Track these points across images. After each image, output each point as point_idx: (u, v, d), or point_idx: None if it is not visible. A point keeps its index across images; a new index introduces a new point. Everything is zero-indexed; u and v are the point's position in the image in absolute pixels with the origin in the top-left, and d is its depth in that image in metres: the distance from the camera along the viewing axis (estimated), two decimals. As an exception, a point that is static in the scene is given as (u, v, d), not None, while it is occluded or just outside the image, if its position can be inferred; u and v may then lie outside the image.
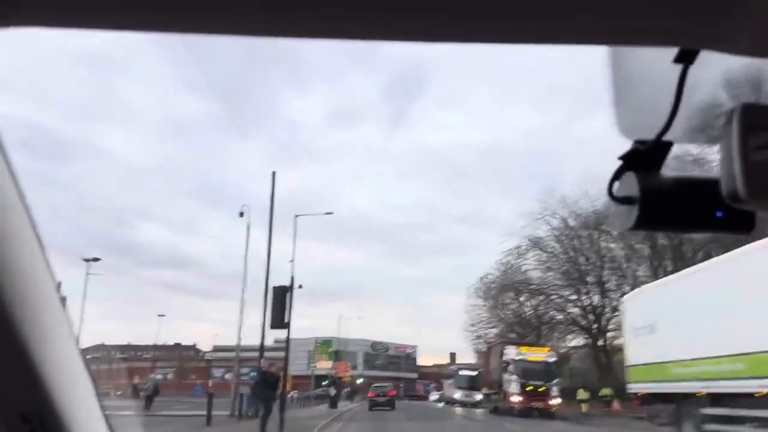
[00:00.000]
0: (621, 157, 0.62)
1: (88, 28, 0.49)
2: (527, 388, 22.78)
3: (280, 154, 69.28)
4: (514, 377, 23.39)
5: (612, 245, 30.60)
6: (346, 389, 48.53)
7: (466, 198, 75.98)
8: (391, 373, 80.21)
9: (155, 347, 66.63)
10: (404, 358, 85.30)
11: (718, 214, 0.58)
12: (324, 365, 42.15)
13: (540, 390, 22.82)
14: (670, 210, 0.59)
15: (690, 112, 0.60)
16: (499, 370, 25.39)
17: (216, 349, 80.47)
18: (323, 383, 50.01)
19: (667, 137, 0.60)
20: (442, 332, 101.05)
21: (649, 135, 0.60)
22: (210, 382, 48.98)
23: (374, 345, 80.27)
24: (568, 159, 56.58)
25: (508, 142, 70.26)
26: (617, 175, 0.62)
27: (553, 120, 65.07)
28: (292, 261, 20.85)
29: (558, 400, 23.44)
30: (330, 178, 75.64)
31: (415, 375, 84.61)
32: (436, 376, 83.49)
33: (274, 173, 18.72)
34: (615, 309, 29.29)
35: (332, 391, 27.75)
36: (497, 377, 25.71)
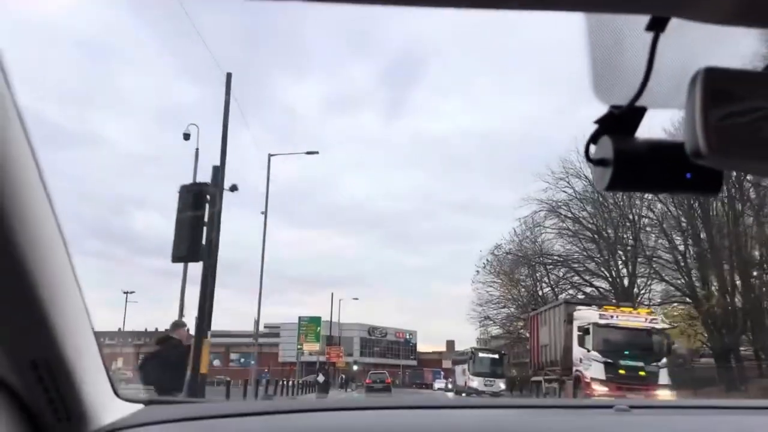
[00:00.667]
0: (597, 121, 0.70)
1: None
2: (620, 371, 15.74)
3: (278, 140, 73.26)
4: (595, 354, 16.17)
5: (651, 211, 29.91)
6: (341, 376, 46.27)
7: (464, 186, 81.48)
8: (389, 360, 78.92)
9: (146, 333, 67.74)
10: (403, 344, 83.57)
11: (688, 175, 0.65)
12: (311, 348, 36.96)
13: (641, 374, 15.91)
14: (643, 171, 0.66)
15: (662, 78, 0.66)
16: (564, 343, 18.28)
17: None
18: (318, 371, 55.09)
19: (641, 102, 0.67)
20: (439, 320, 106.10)
21: (624, 101, 0.67)
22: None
23: (371, 330, 78.30)
24: (566, 146, 58.52)
25: (507, 129, 75.28)
26: (593, 139, 0.70)
27: (553, 106, 69.84)
28: (263, 212, 19.70)
29: (668, 391, 15.90)
30: (328, 166, 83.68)
31: (414, 362, 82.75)
32: (436, 362, 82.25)
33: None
34: (648, 282, 29.29)
35: (320, 378, 26.76)
36: (562, 355, 18.51)
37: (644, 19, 0.62)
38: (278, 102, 74.43)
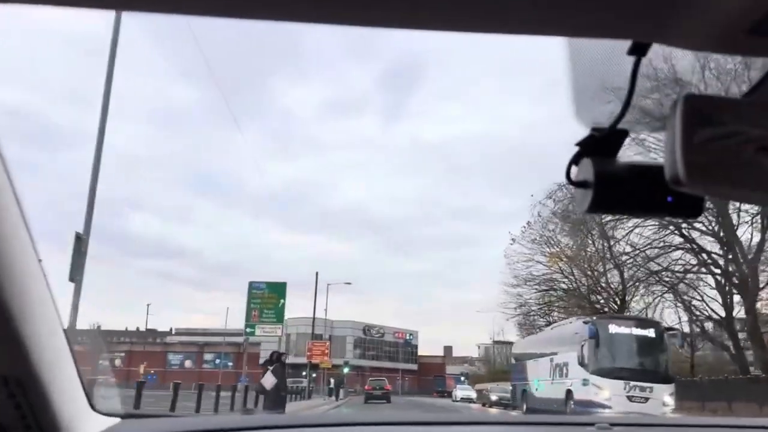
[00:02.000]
0: (578, 144, 0.78)
1: (77, 6, 0.53)
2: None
3: (276, 144, 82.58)
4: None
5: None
6: (329, 381, 41.68)
7: (464, 191, 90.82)
8: (386, 363, 74.93)
9: (126, 333, 69.33)
10: (403, 346, 79.69)
11: (669, 199, 0.72)
12: (270, 331, 25.67)
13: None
14: (624, 194, 0.74)
15: (643, 102, 0.75)
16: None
17: (178, 332, 78.24)
18: (303, 374, 46.18)
19: (622, 125, 0.75)
20: (437, 326, 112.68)
21: (606, 123, 0.76)
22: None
23: (367, 329, 74.91)
24: (569, 152, 65.56)
25: (507, 135, 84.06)
26: (575, 161, 0.78)
27: (554, 112, 77.25)
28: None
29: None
30: (327, 170, 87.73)
31: (414, 366, 79.88)
32: (438, 367, 79.99)
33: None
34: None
35: (267, 383, 13.74)
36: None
37: (626, 44, 0.69)
38: (277, 106, 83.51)
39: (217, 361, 61.79)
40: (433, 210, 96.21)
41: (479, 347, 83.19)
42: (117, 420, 1.29)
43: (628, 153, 0.79)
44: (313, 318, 37.56)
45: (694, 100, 0.61)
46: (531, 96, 79.54)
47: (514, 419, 2.20)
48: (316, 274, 36.59)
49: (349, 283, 42.78)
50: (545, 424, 1.75)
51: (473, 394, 45.72)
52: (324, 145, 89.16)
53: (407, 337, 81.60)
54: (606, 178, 0.74)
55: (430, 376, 78.46)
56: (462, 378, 58.32)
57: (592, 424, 1.46)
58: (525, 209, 36.14)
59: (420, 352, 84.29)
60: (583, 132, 0.79)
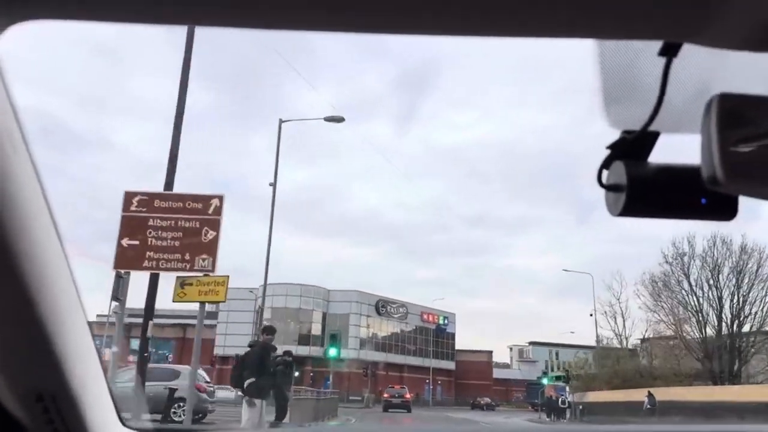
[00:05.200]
0: (609, 147, 0.97)
1: (96, 20, 0.71)
2: None
3: (289, 149, 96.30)
4: None
5: None
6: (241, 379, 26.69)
7: (478, 198, 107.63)
8: (409, 358, 65.50)
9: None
10: (433, 334, 69.45)
11: (703, 201, 0.89)
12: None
13: None
14: (656, 197, 0.92)
15: (675, 103, 0.92)
16: None
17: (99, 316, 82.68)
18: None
19: (653, 127, 0.93)
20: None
21: (637, 126, 0.93)
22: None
23: (381, 305, 64.27)
24: (585, 158, 72.30)
25: (523, 141, 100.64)
26: (606, 164, 0.96)
27: (570, 118, 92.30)
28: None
29: None
30: (339, 174, 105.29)
31: (452, 364, 70.92)
32: (482, 367, 72.07)
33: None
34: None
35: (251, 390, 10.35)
36: None
37: (657, 44, 0.84)
38: (289, 108, 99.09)
39: (159, 351, 48.46)
40: (446, 217, 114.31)
41: (511, 349, 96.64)
42: None
43: (660, 155, 0.96)
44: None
45: (728, 100, 0.76)
46: (547, 102, 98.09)
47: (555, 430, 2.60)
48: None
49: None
50: None
51: None
52: (337, 149, 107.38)
53: (440, 321, 69.18)
54: (639, 181, 0.92)
55: (472, 379, 69.85)
56: (566, 388, 49.76)
57: None
58: (540, 217, 42.00)
59: (457, 345, 72.42)
60: (612, 135, 0.97)
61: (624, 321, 55.10)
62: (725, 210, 0.93)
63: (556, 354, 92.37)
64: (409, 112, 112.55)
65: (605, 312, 54.57)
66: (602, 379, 53.29)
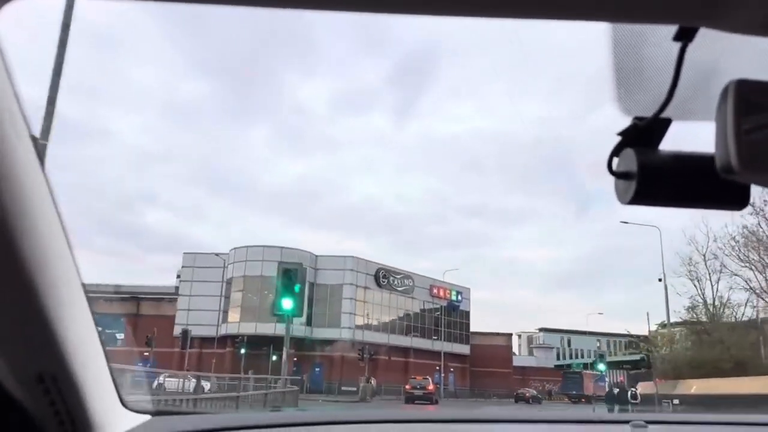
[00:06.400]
0: (620, 133, 1.02)
1: None
2: None
3: (286, 141, 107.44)
4: None
5: None
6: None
7: (476, 189, 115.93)
8: (415, 339, 60.58)
9: None
10: (444, 312, 64.52)
11: (714, 189, 0.95)
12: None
13: None
14: (667, 185, 0.98)
15: (688, 89, 0.96)
16: None
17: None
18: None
19: (666, 114, 0.97)
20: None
21: (648, 112, 0.98)
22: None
23: (382, 274, 58.89)
24: (583, 150, 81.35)
25: (521, 132, 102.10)
26: (616, 151, 1.02)
27: (568, 109, 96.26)
28: None
29: None
30: (337, 167, 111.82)
31: (466, 348, 66.75)
32: (501, 351, 64.94)
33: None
34: None
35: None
36: None
37: (671, 29, 0.88)
38: (287, 101, 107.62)
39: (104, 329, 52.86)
40: (443, 208, 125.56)
41: (520, 336, 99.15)
42: (147, 417, 1.75)
43: (671, 142, 1.00)
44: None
45: (745, 86, 0.80)
46: (546, 93, 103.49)
47: (550, 417, 2.54)
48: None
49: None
50: (582, 422, 2.42)
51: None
52: (335, 142, 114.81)
53: (453, 297, 64.02)
54: (649, 169, 0.97)
55: (489, 366, 65.10)
56: (605, 378, 48.51)
57: (627, 422, 2.08)
58: (537, 208, 41.40)
59: (472, 327, 66.66)
60: (623, 121, 1.00)
61: (715, 285, 48.48)
62: (737, 198, 1.01)
63: (568, 341, 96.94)
64: (407, 103, 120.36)
65: (688, 272, 48.20)
66: (708, 363, 45.04)
